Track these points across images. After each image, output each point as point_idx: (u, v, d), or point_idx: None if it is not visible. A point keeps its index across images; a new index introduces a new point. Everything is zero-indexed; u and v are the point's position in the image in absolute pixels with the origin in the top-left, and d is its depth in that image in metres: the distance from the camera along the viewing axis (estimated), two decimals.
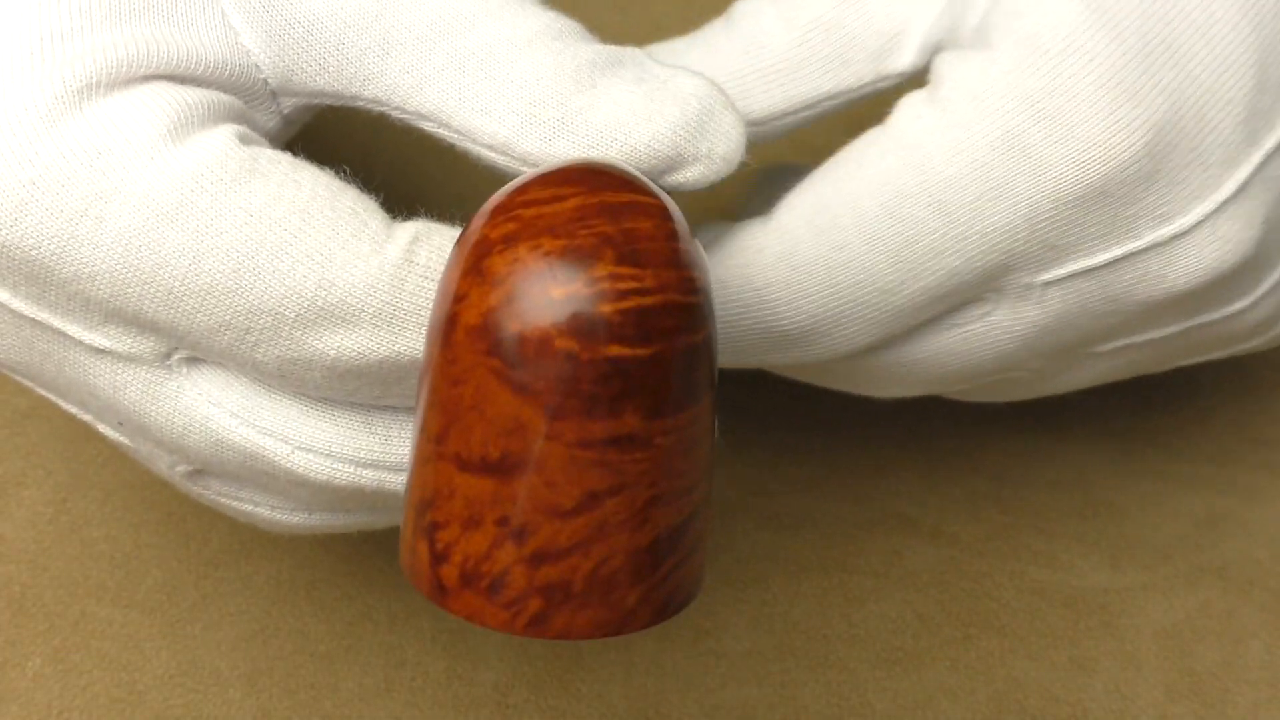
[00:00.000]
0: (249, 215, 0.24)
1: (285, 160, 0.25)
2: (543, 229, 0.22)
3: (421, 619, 0.34)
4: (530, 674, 0.34)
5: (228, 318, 0.24)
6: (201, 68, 0.26)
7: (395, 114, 0.27)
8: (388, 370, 0.25)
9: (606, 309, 0.21)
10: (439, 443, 0.22)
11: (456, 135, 0.26)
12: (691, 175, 0.26)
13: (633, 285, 0.21)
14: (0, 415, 0.38)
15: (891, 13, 0.31)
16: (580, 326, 0.21)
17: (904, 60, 0.31)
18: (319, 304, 0.24)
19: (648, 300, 0.21)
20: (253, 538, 0.36)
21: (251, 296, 0.24)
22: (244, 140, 0.25)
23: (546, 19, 0.27)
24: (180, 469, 0.28)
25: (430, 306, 0.25)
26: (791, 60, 0.31)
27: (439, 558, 0.23)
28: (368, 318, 0.24)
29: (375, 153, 0.41)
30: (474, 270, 0.22)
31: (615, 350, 0.21)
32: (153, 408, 0.26)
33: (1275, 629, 0.35)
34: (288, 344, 0.25)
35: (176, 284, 0.24)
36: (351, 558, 0.35)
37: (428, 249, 0.25)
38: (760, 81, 0.31)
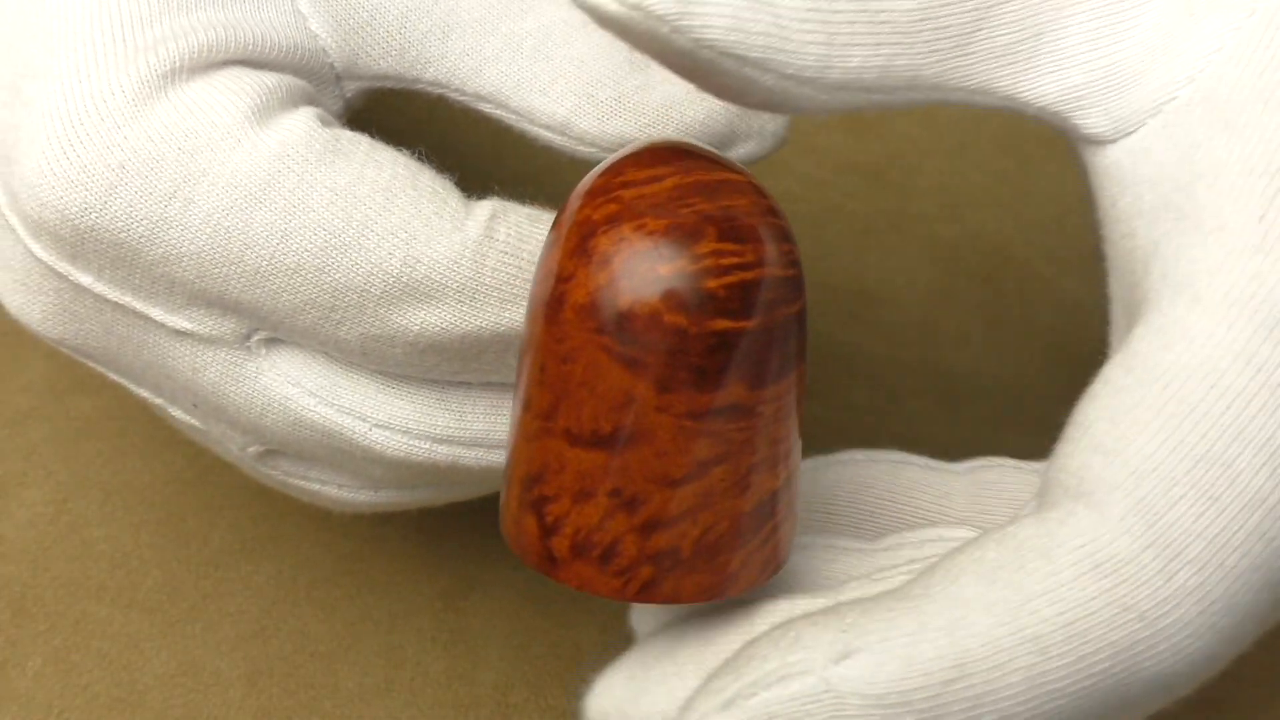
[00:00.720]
0: (334, 194, 0.24)
1: (364, 140, 0.26)
2: (645, 209, 0.22)
3: (422, 619, 0.34)
4: (530, 674, 0.34)
5: (314, 295, 0.25)
6: (274, 52, 0.26)
7: (454, 96, 0.27)
8: (468, 345, 0.26)
9: (712, 284, 0.22)
10: (547, 419, 0.23)
11: (515, 116, 0.27)
12: (745, 150, 0.26)
13: (735, 261, 0.22)
14: (0, 415, 0.38)
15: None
16: (688, 301, 0.22)
17: (1046, 89, 0.24)
18: (404, 280, 0.25)
19: (750, 275, 0.22)
20: (253, 537, 0.36)
21: (338, 274, 0.25)
22: (324, 121, 0.26)
23: None
24: (252, 449, 0.28)
25: (509, 282, 0.25)
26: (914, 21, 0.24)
27: (549, 530, 0.23)
28: (451, 293, 0.25)
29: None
30: (579, 251, 0.22)
31: (721, 324, 0.22)
32: (232, 389, 0.26)
33: (1274, 630, 0.35)
34: (372, 321, 0.25)
35: (264, 264, 0.24)
36: (351, 557, 0.35)
37: (506, 226, 0.25)
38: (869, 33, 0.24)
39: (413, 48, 0.27)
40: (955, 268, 0.42)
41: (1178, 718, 0.33)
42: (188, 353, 0.26)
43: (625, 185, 0.23)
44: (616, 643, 0.35)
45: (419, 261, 0.25)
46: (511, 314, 0.26)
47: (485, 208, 0.26)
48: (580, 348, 0.22)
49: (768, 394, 0.23)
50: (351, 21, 0.27)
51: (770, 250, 0.22)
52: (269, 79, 0.26)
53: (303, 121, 0.25)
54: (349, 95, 0.28)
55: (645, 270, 0.22)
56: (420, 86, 0.28)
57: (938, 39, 0.23)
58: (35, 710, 0.32)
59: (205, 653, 0.34)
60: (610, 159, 0.24)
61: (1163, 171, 0.23)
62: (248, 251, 0.25)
